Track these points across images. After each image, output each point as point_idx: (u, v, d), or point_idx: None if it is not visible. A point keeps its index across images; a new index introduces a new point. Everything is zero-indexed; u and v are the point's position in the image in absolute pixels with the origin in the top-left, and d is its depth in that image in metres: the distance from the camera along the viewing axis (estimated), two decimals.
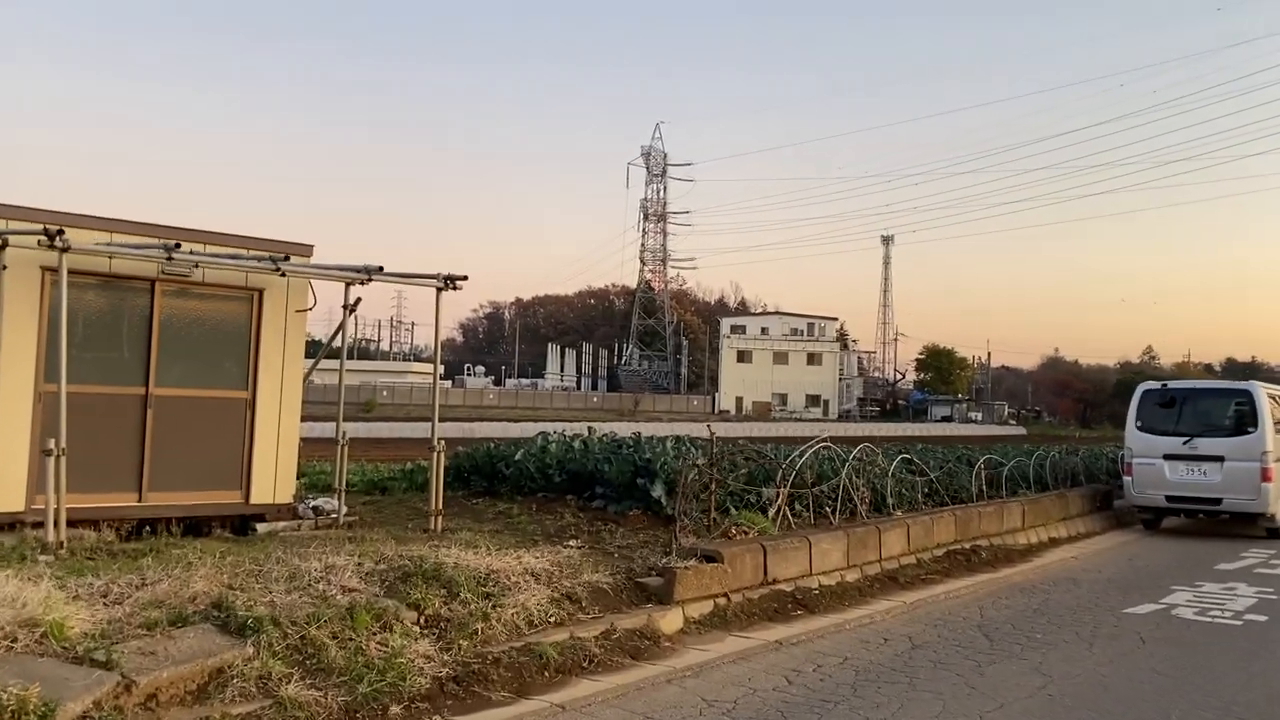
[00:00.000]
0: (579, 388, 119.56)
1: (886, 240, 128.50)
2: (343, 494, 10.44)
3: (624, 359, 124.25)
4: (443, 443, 9.53)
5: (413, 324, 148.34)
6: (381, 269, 9.70)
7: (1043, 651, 7.39)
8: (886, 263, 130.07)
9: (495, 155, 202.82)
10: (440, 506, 9.39)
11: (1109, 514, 16.50)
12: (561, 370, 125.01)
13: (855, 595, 9.26)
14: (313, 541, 8.87)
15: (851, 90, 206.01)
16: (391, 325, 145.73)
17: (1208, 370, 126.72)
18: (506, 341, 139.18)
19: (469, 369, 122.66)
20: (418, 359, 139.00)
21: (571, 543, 8.69)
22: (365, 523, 10.38)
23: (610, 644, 6.76)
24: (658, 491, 9.93)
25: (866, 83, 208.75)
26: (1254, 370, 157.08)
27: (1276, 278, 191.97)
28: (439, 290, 9.42)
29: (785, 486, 10.05)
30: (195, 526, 9.49)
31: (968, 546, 11.88)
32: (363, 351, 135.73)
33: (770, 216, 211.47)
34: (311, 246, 10.30)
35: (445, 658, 5.95)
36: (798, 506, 10.56)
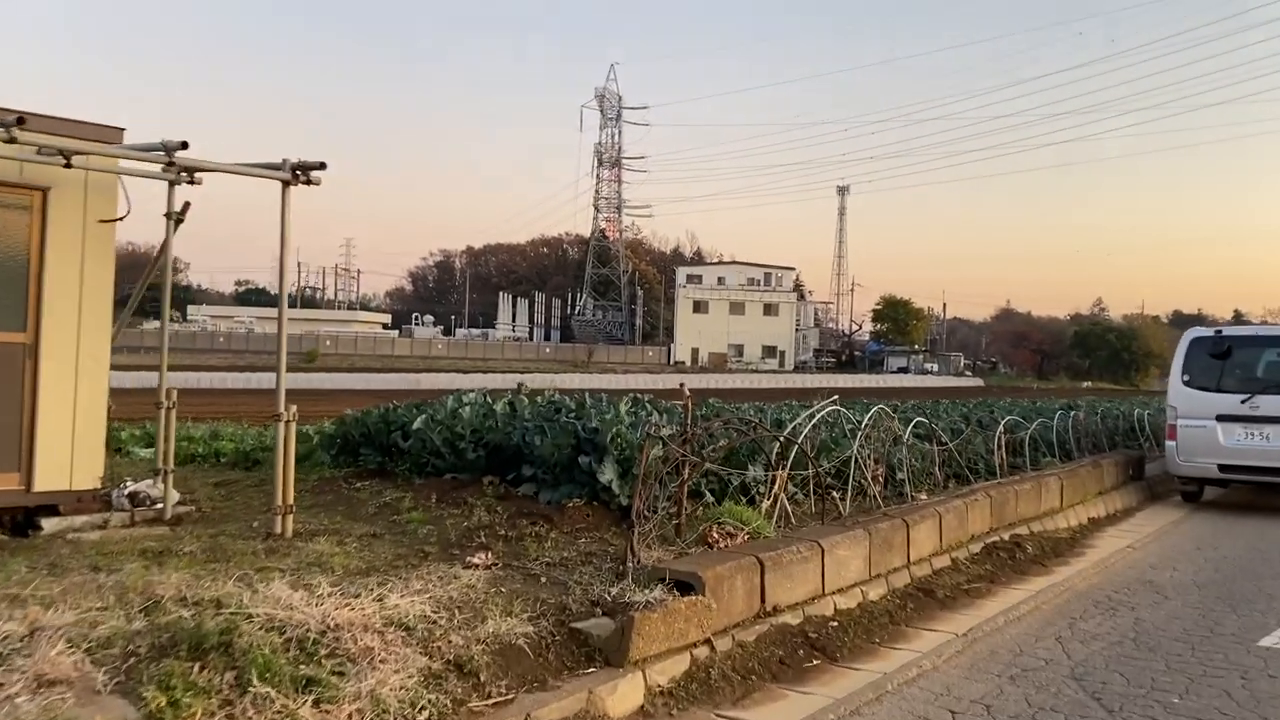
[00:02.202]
0: (531, 338, 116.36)
1: (842, 191, 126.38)
2: (168, 476, 7.48)
3: (578, 309, 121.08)
4: (294, 409, 6.57)
5: (359, 271, 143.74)
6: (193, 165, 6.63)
7: None
8: (842, 213, 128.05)
9: (444, 98, 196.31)
10: (289, 501, 6.48)
11: (1141, 484, 14.03)
12: (514, 320, 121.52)
13: (886, 624, 6.55)
14: (100, 551, 6.03)
15: (808, 36, 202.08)
16: (336, 273, 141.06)
17: (1155, 321, 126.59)
18: (457, 291, 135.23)
19: (417, 319, 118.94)
20: (365, 308, 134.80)
21: (478, 558, 5.84)
22: (200, 516, 7.49)
23: None
24: (607, 474, 7.10)
25: (824, 28, 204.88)
26: (1200, 323, 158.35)
27: (1224, 231, 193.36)
28: (285, 185, 6.41)
29: (784, 467, 7.27)
30: None
31: (1007, 537, 9.25)
32: (307, 300, 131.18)
33: (727, 165, 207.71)
34: (122, 130, 7.23)
35: None
36: (794, 490, 7.85)
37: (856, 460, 8.47)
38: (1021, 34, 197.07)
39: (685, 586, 5.41)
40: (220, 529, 6.86)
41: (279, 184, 6.44)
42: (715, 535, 6.35)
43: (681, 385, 5.98)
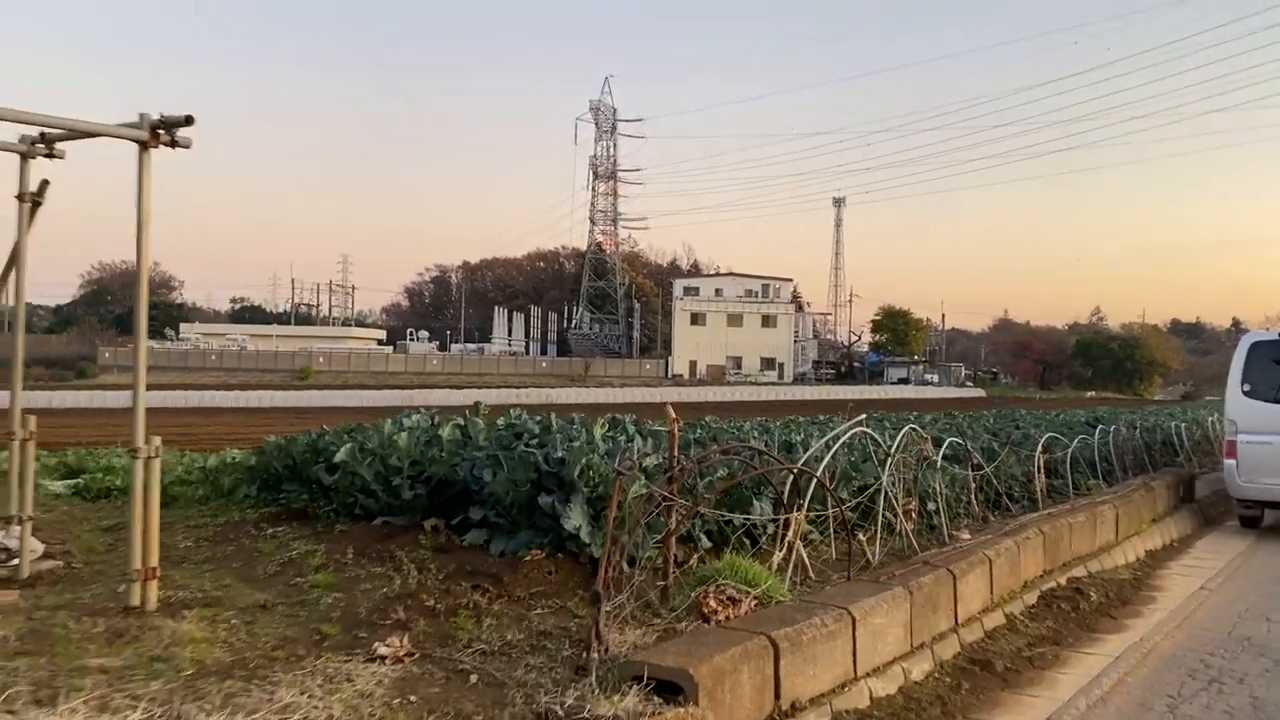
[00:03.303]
0: (527, 352, 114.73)
1: (838, 202, 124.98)
2: (25, 525, 5.91)
3: (574, 322, 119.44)
4: (157, 443, 5.00)
5: (353, 287, 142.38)
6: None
7: None
8: (838, 224, 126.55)
9: (441, 114, 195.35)
10: (151, 564, 4.89)
11: (1193, 506, 12.48)
12: (509, 335, 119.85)
13: (938, 716, 4.99)
14: None
15: (802, 47, 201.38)
16: (330, 289, 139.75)
17: (1155, 330, 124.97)
18: (453, 306, 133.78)
19: (412, 334, 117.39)
20: (360, 324, 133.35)
21: (389, 645, 4.28)
22: (66, 574, 5.96)
23: None
24: (574, 519, 5.56)
25: (818, 38, 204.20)
26: (1198, 331, 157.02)
27: (1221, 239, 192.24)
28: (144, 146, 4.87)
29: (800, 507, 5.71)
30: None
31: (1064, 582, 7.71)
32: (302, 317, 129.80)
33: (722, 176, 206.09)
34: None
35: None
36: (809, 528, 6.32)
37: (885, 492, 6.92)
38: (1017, 43, 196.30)
39: (670, 687, 3.87)
40: (76, 595, 5.32)
41: (139, 148, 4.89)
42: (713, 603, 4.80)
43: (666, 405, 4.44)
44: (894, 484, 7.28)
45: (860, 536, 6.44)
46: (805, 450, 7.96)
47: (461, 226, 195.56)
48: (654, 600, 5.03)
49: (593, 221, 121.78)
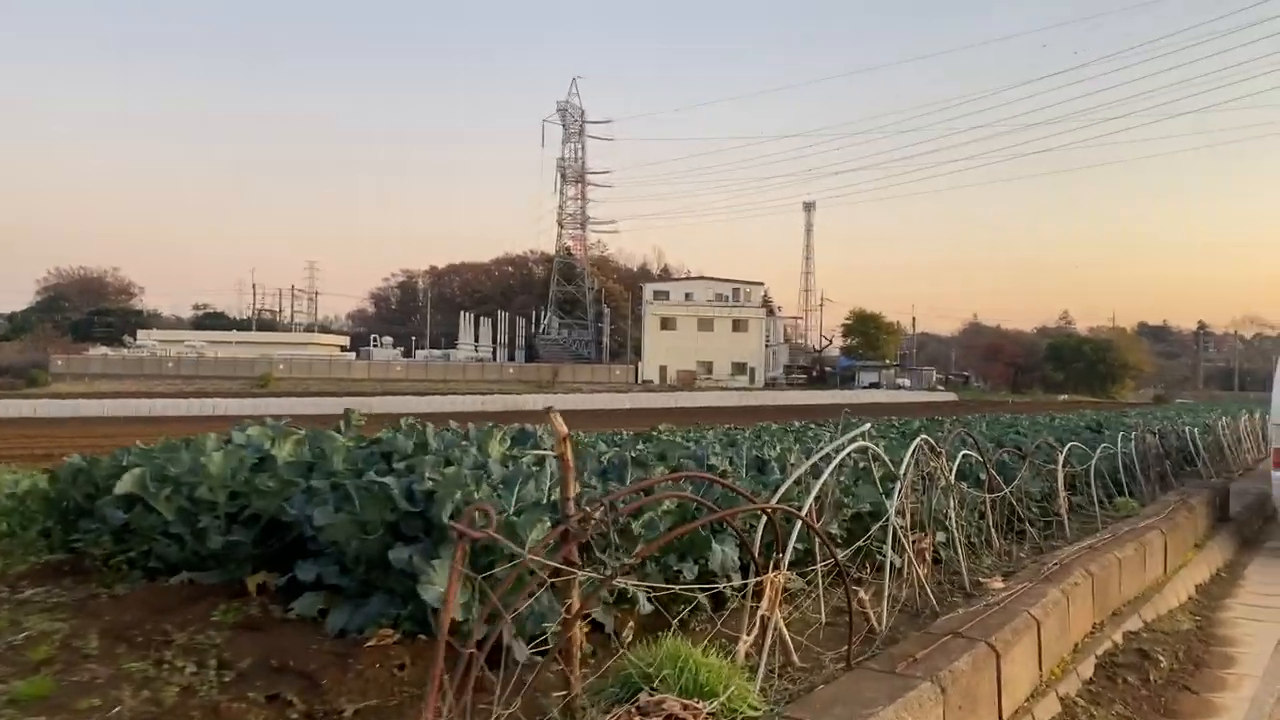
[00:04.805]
0: (495, 358, 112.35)
1: (808, 206, 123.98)
2: None
3: (543, 328, 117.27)
4: None
5: (316, 293, 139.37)
6: None
7: None
8: (809, 229, 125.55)
9: (410, 119, 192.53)
10: None
11: (1230, 525, 10.74)
12: (476, 340, 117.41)
13: None
14: None
15: (772, 49, 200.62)
16: (293, 295, 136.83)
17: (1123, 333, 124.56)
18: (420, 312, 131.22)
19: (375, 340, 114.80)
20: (325, 330, 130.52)
21: None
22: None
23: None
24: (439, 584, 3.66)
25: (788, 41, 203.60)
26: (1166, 334, 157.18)
27: (1186, 243, 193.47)
28: None
29: (778, 563, 3.82)
30: None
31: (1119, 640, 5.92)
32: (264, 323, 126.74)
33: (692, 180, 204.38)
34: None
35: None
36: (790, 576, 4.47)
37: (893, 527, 5.08)
38: (985, 46, 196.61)
39: None
40: None
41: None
42: None
43: (551, 411, 2.61)
44: (900, 512, 5.46)
45: (862, 594, 4.59)
46: (782, 469, 6.10)
47: (429, 232, 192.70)
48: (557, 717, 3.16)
49: (561, 225, 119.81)
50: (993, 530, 7.02)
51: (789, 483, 4.41)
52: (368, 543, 4.04)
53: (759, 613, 3.64)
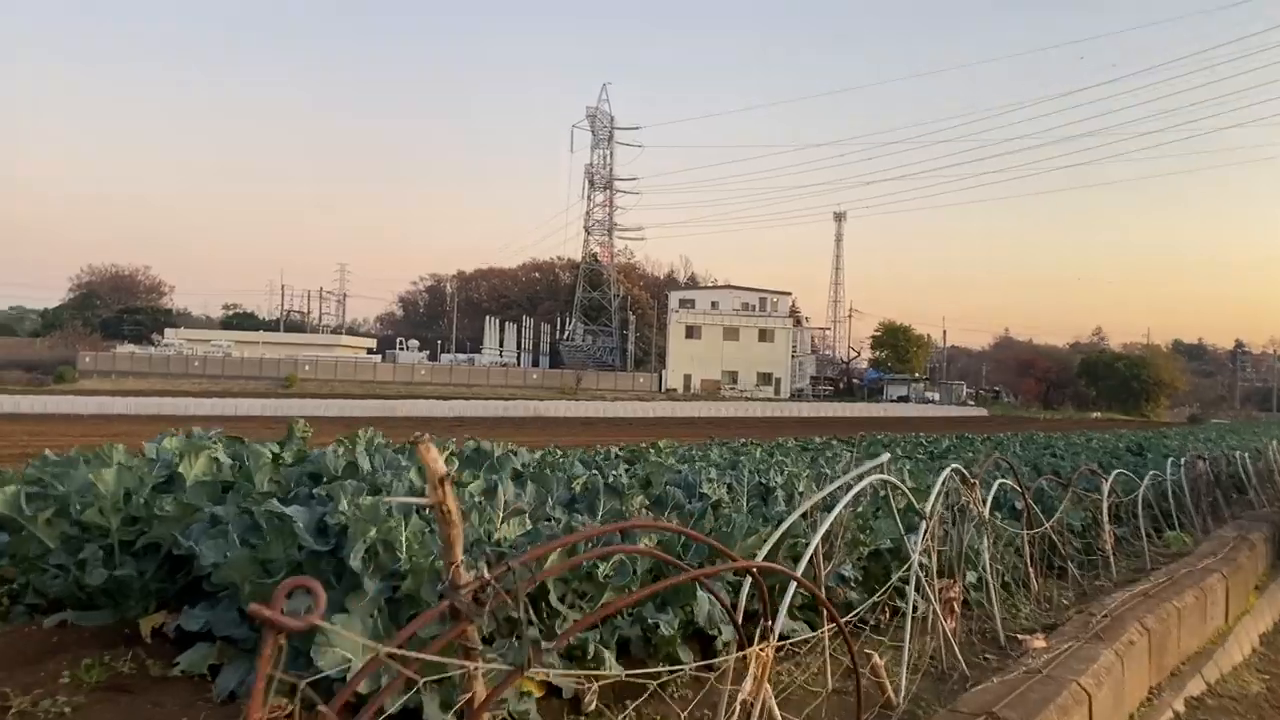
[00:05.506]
0: (519, 364, 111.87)
1: (839, 217, 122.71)
2: None
3: (567, 334, 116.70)
4: None
5: (344, 295, 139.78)
6: None
7: None
8: (839, 239, 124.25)
9: (442, 124, 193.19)
10: None
11: None
12: (501, 345, 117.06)
13: None
14: None
15: (805, 57, 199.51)
16: (321, 297, 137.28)
17: (1158, 350, 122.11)
18: (448, 316, 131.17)
19: (401, 343, 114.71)
20: (353, 333, 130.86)
21: None
22: None
23: None
24: (336, 650, 2.88)
25: (821, 49, 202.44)
26: (1202, 353, 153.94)
27: (1224, 261, 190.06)
28: None
29: (771, 634, 3.02)
30: None
31: (1181, 711, 5.07)
32: (292, 324, 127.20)
33: (721, 188, 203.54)
34: None
35: None
36: (791, 626, 3.70)
37: (916, 574, 4.26)
38: (1021, 56, 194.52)
39: None
40: None
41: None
42: None
43: (417, 436, 1.88)
44: (925, 553, 4.65)
45: (876, 658, 3.77)
46: (788, 499, 5.30)
47: (459, 236, 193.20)
48: None
49: (588, 231, 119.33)
50: (1030, 570, 6.18)
51: (792, 518, 3.62)
52: (265, 587, 3.29)
53: (740, 696, 2.84)
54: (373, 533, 3.17)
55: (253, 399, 60.44)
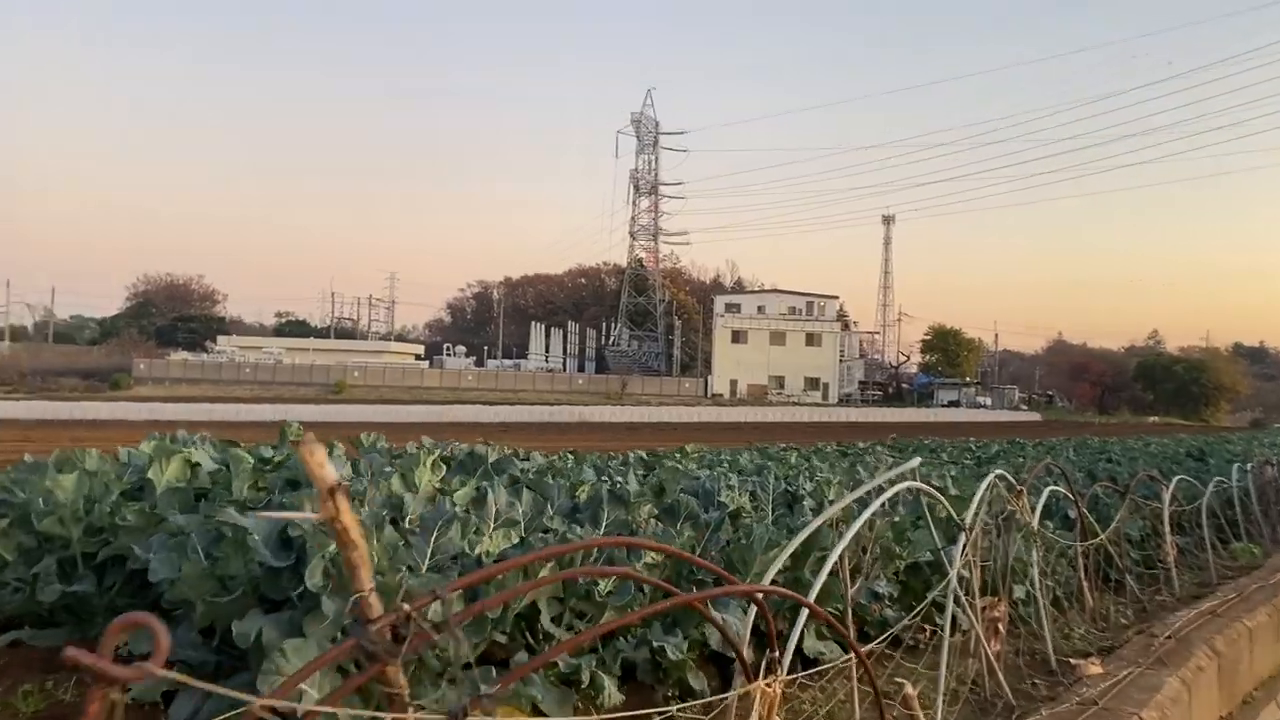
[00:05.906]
0: (564, 369, 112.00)
1: (887, 220, 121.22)
2: None
3: (613, 339, 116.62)
4: None
5: (394, 302, 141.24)
6: None
7: None
8: (887, 243, 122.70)
9: (489, 130, 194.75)
10: None
11: None
12: (547, 351, 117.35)
13: None
14: None
15: (852, 58, 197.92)
16: (370, 304, 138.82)
17: (1217, 353, 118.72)
18: (495, 322, 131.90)
19: (448, 349, 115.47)
20: (401, 339, 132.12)
21: None
22: None
23: None
24: (282, 680, 2.54)
25: (869, 50, 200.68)
26: (1264, 356, 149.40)
27: None
28: None
29: (779, 668, 2.64)
30: None
31: None
32: (343, 331, 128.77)
33: (768, 192, 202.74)
34: None
35: None
36: (818, 649, 3.29)
37: (955, 592, 3.84)
38: (1074, 55, 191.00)
39: None
40: None
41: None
42: None
43: (298, 438, 1.55)
44: (966, 567, 4.22)
45: (909, 688, 3.36)
46: (816, 508, 4.88)
47: (506, 243, 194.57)
48: None
49: (633, 237, 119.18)
50: (1085, 584, 5.70)
51: (806, 532, 3.23)
52: (220, 605, 2.97)
53: None
54: (332, 547, 2.84)
55: (303, 404, 61.10)
